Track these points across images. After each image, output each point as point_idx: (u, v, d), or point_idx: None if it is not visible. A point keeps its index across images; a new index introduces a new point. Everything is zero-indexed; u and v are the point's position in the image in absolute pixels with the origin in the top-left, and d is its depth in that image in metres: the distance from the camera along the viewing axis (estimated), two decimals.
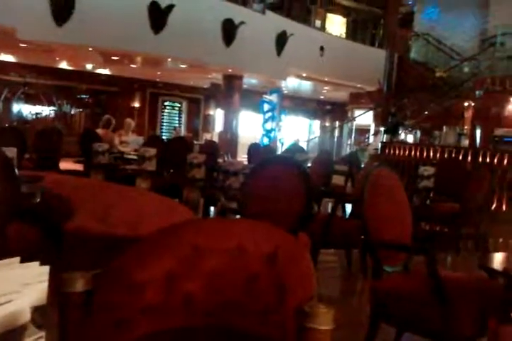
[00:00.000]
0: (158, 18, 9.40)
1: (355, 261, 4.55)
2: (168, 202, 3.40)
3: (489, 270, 2.64)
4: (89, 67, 13.57)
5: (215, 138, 12.99)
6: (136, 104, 15.35)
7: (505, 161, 8.76)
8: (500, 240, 7.11)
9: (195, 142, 12.24)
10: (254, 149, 7.41)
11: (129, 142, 8.68)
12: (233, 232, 1.38)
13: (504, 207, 8.49)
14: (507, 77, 11.84)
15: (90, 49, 10.11)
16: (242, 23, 10.58)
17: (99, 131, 8.53)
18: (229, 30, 10.47)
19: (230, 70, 11.63)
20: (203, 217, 3.49)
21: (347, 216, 5.86)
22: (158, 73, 13.61)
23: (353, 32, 16.59)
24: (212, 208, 5.84)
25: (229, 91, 11.95)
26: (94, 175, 6.03)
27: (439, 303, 2.53)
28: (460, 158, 8.97)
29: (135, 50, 10.01)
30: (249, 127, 15.01)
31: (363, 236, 2.89)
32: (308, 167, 7.29)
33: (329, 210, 5.51)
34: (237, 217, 3.89)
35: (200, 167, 5.66)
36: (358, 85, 15.09)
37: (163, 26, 9.50)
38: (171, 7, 9.54)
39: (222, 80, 12.10)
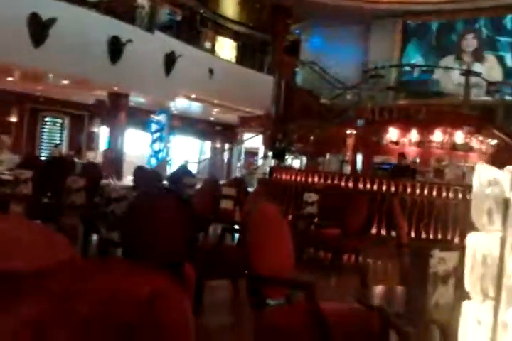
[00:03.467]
0: (38, 30, 8.88)
1: (244, 291, 4.47)
2: (43, 230, 3.14)
3: (366, 305, 2.71)
4: None
5: (100, 157, 12.50)
6: (13, 119, 14.37)
7: (384, 187, 9.24)
8: (379, 262, 7.43)
9: (78, 160, 11.68)
10: (139, 173, 7.16)
11: (3, 161, 8.07)
12: (107, 276, 1.31)
13: (384, 231, 8.91)
14: (385, 108, 12.61)
15: None
16: (129, 41, 10.35)
17: None
18: (115, 48, 10.19)
19: (115, 88, 11.30)
20: (73, 259, 3.24)
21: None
22: (39, 88, 12.87)
23: (243, 56, 16.90)
24: (94, 236, 5.50)
25: (114, 108, 11.59)
26: None
27: (319, 338, 2.54)
28: (342, 184, 9.33)
29: (12, 63, 9.38)
30: (137, 146, 14.63)
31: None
32: (197, 190, 7.19)
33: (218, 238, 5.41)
34: (119, 250, 3.67)
35: (80, 191, 5.36)
36: (247, 109, 15.34)
37: (44, 40, 9.00)
38: (52, 20, 9.08)
39: (108, 98, 11.71)
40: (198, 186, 7.70)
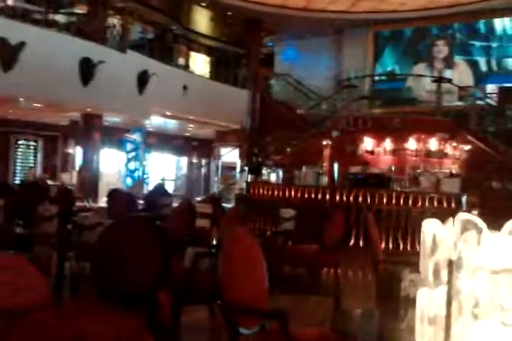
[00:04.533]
0: (7, 55, 8.81)
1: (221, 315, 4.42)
2: (15, 261, 3.11)
3: (339, 332, 2.72)
4: None
5: (75, 178, 12.39)
6: None
7: (360, 198, 9.29)
8: (357, 278, 7.44)
9: (52, 183, 11.58)
10: (114, 196, 7.09)
11: None
12: (75, 319, 1.32)
13: (361, 243, 8.94)
14: (359, 117, 12.71)
15: None
16: (100, 62, 10.31)
17: None
18: (87, 69, 10.14)
19: (88, 109, 11.24)
20: (43, 300, 3.19)
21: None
22: (11, 111, 12.73)
23: (217, 70, 16.96)
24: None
25: (88, 129, 11.54)
26: None
27: None
28: (319, 197, 9.36)
29: None
30: (113, 165, 14.52)
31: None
32: (173, 209, 7.12)
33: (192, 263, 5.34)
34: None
35: (52, 220, 5.28)
36: (223, 123, 15.37)
37: (13, 64, 8.92)
38: (22, 44, 9.01)
39: (81, 119, 11.65)
40: (175, 204, 7.65)
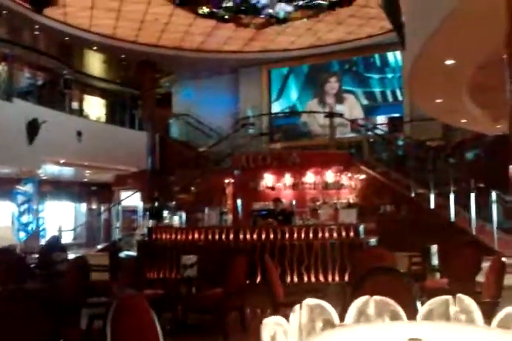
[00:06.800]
0: None
1: None
2: None
3: None
4: None
5: None
6: None
7: (264, 235, 9.34)
8: (268, 311, 7.40)
9: None
10: (2, 258, 6.63)
11: None
12: None
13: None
14: (259, 154, 12.98)
15: None
16: None
17: None
18: None
19: None
20: None
21: None
22: None
23: (113, 113, 16.71)
24: None
25: None
26: None
27: None
28: (223, 237, 9.31)
29: None
30: (5, 218, 13.62)
31: None
32: (68, 266, 6.74)
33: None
34: None
35: None
36: (122, 167, 15.06)
37: None
38: None
39: None
40: (73, 255, 7.31)
